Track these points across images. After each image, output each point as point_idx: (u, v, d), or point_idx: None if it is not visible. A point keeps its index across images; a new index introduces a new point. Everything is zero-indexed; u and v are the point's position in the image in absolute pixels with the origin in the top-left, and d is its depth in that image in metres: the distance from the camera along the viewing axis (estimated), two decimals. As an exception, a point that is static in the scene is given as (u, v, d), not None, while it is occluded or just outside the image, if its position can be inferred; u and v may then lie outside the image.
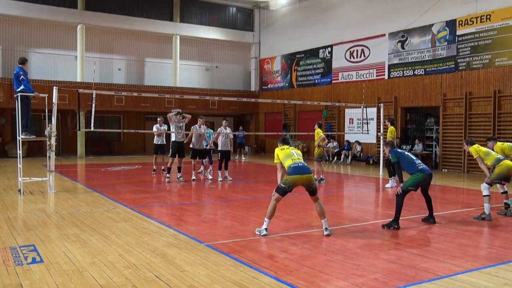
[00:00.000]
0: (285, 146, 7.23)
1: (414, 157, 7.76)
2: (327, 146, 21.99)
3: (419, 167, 7.53)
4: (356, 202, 10.71)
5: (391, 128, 13.33)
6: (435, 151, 19.30)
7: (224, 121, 14.05)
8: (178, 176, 13.68)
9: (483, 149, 8.79)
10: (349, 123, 22.31)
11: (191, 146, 13.91)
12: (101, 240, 6.40)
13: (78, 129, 13.51)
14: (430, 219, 7.87)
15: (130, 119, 26.80)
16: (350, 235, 6.96)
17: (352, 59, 22.32)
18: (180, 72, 26.66)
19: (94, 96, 11.40)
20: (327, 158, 22.35)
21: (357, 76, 21.97)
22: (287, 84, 26.57)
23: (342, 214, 8.70)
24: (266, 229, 6.79)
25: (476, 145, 8.91)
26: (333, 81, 23.30)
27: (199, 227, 7.36)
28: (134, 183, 13.30)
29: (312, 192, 6.88)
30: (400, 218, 7.45)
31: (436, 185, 13.59)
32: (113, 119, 26.61)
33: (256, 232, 6.85)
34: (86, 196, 10.58)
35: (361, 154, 21.59)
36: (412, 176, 7.53)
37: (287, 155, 7.02)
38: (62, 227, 7.22)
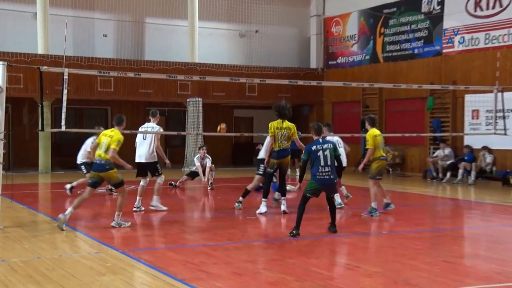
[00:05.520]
0: None
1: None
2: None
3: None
4: (487, 248, 10.42)
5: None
6: None
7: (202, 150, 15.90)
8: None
9: None
10: (473, 118, 21.93)
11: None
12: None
13: (40, 128, 13.58)
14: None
15: (123, 113, 26.90)
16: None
17: (477, 13, 21.92)
18: (200, 41, 26.66)
19: (66, 77, 11.50)
20: (433, 174, 21.92)
21: (487, 41, 21.57)
22: (368, 57, 26.46)
23: (463, 268, 8.51)
24: None
25: None
26: (444, 50, 23.04)
27: (228, 283, 7.31)
28: (130, 212, 13.27)
29: None
30: None
31: None
32: (96, 113, 26.96)
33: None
34: (52, 234, 10.64)
35: (494, 169, 21.18)
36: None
37: None
38: (11, 284, 7.22)
